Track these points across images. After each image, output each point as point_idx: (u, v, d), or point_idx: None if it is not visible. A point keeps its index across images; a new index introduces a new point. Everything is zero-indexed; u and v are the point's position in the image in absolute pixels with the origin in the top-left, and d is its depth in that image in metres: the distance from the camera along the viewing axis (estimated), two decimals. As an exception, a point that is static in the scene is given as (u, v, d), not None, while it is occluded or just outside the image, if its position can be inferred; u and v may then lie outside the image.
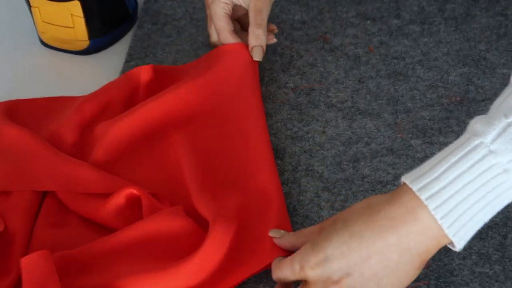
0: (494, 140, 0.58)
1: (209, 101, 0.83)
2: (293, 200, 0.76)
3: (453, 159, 0.58)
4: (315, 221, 0.74)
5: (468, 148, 0.58)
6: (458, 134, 0.79)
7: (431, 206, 0.58)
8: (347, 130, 0.82)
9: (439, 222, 0.58)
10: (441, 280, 0.68)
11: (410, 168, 0.77)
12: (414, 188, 0.59)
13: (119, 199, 0.73)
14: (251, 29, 0.84)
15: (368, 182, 0.77)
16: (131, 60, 0.92)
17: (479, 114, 0.81)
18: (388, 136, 0.80)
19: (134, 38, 0.94)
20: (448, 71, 0.86)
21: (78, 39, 0.92)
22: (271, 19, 0.88)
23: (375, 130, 0.81)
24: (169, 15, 0.97)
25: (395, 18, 0.93)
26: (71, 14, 0.89)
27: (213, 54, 0.87)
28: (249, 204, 0.73)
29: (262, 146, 0.78)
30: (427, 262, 0.69)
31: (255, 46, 0.84)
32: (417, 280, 0.68)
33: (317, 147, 0.81)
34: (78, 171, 0.76)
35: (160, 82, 0.86)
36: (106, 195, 0.74)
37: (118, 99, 0.84)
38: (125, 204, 0.73)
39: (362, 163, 0.78)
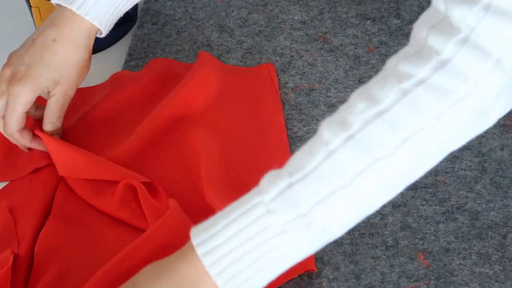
0: (273, 199, 0.56)
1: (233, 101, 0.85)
2: (293, 200, 0.76)
3: (233, 216, 0.57)
4: (315, 221, 0.74)
5: (249, 205, 0.57)
6: (458, 134, 0.80)
7: (206, 262, 0.56)
8: (347, 130, 0.82)
9: (214, 279, 0.56)
10: (441, 280, 0.68)
11: (410, 168, 0.77)
12: (194, 242, 0.57)
13: (119, 189, 0.74)
14: (44, 122, 0.79)
15: (368, 182, 0.77)
16: (131, 60, 0.92)
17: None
18: (388, 136, 0.81)
19: (134, 38, 0.94)
20: (448, 71, 0.86)
21: (78, 39, 0.92)
22: (271, 19, 0.88)
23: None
24: (169, 15, 0.97)
25: (395, 18, 0.93)
26: (71, 14, 0.89)
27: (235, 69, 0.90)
28: None
29: (280, 151, 0.79)
30: (427, 262, 0.69)
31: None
32: (417, 280, 0.68)
33: (317, 147, 0.81)
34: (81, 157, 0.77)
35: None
36: (108, 185, 0.75)
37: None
38: (125, 193, 0.74)
39: (362, 163, 0.78)
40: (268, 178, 0.58)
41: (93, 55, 0.94)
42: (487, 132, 0.79)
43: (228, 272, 0.56)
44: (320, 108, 0.84)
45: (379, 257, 0.70)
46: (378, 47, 0.90)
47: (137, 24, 0.97)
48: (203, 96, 0.85)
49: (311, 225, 0.56)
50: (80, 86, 0.79)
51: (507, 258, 0.69)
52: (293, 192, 0.56)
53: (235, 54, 0.91)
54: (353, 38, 0.92)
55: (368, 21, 0.93)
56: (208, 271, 0.56)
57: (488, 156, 0.77)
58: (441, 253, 0.70)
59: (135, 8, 0.97)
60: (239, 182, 0.76)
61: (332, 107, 0.84)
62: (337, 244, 0.72)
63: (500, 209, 0.73)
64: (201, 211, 0.71)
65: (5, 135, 0.77)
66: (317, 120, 0.83)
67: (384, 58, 0.89)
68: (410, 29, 0.92)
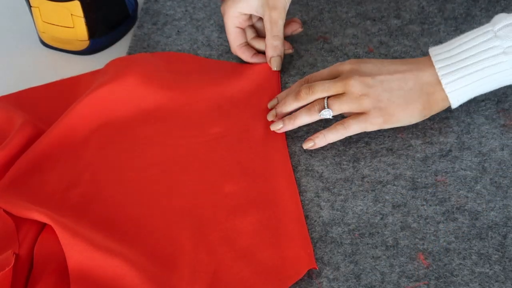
0: (501, 28, 0.73)
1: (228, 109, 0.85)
2: (293, 200, 0.76)
3: (466, 39, 0.75)
4: (315, 221, 0.74)
5: (480, 32, 0.74)
6: (458, 134, 0.79)
7: (437, 65, 0.75)
8: (347, 130, 0.82)
9: (440, 77, 0.74)
10: (441, 280, 0.68)
11: (410, 168, 0.77)
12: (432, 52, 0.76)
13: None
14: (268, 41, 0.86)
15: (368, 182, 0.77)
16: (131, 60, 0.92)
17: (479, 114, 0.81)
18: (388, 136, 0.80)
19: (134, 38, 0.94)
20: (448, 71, 0.86)
21: (78, 39, 0.92)
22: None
23: (375, 130, 0.81)
24: (169, 15, 0.97)
25: (395, 18, 0.93)
26: (71, 14, 0.89)
27: (235, 66, 0.89)
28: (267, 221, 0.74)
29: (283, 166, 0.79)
30: (427, 262, 0.69)
31: (273, 56, 0.87)
32: (417, 280, 0.68)
33: (317, 147, 0.81)
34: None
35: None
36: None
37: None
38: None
39: (362, 163, 0.78)
40: (499, 16, 0.74)
41: (92, 55, 0.94)
42: (487, 132, 0.79)
43: (455, 74, 0.74)
44: (320, 108, 0.84)
45: (379, 257, 0.70)
46: (378, 47, 0.90)
47: (137, 24, 0.97)
48: (207, 96, 0.85)
49: None
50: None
51: (507, 258, 0.69)
52: None
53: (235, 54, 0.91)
54: (353, 38, 0.92)
55: (368, 21, 0.93)
56: (437, 70, 0.75)
57: (488, 156, 0.77)
58: (441, 253, 0.70)
59: (134, 8, 0.97)
60: (251, 170, 0.78)
61: (332, 107, 0.84)
62: (337, 244, 0.72)
63: (500, 209, 0.73)
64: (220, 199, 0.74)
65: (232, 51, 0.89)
66: (318, 120, 0.83)
67: (384, 58, 0.89)
68: (410, 29, 0.92)
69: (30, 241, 0.72)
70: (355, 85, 0.76)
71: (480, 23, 0.90)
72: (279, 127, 0.80)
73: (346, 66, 0.79)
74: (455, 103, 0.76)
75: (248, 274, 0.69)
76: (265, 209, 0.74)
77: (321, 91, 0.78)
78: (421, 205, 0.74)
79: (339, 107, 0.77)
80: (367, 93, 0.76)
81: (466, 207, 0.73)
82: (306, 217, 0.74)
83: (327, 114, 0.77)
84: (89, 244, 0.69)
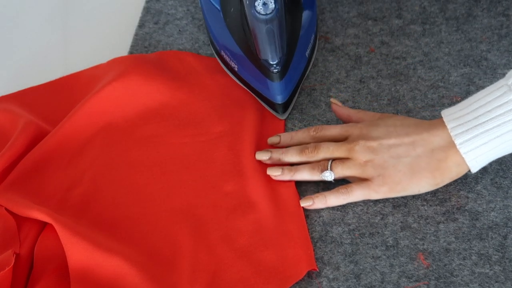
0: None
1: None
2: (293, 199, 0.76)
3: (479, 96, 0.70)
4: (315, 220, 0.74)
5: (494, 88, 0.69)
6: (459, 134, 0.79)
7: (450, 125, 0.70)
8: (347, 130, 0.82)
9: (453, 137, 0.69)
10: (441, 280, 0.68)
11: (410, 168, 0.77)
12: (443, 113, 0.72)
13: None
14: None
15: (368, 182, 0.77)
16: (133, 59, 0.92)
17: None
18: (389, 136, 0.80)
19: (136, 37, 0.94)
20: (449, 72, 0.86)
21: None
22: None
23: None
24: (171, 15, 0.97)
25: (397, 18, 0.93)
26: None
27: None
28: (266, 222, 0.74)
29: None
30: (427, 262, 0.69)
31: None
32: (417, 280, 0.68)
33: (317, 147, 0.81)
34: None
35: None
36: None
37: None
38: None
39: (363, 163, 0.78)
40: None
41: (93, 55, 0.94)
42: (488, 132, 0.79)
43: (470, 141, 0.69)
44: (321, 108, 0.84)
45: (379, 257, 0.70)
46: (379, 47, 0.90)
47: (138, 23, 0.97)
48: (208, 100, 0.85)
49: None
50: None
51: (507, 258, 0.69)
52: None
53: (236, 54, 0.91)
54: (354, 38, 0.91)
55: (370, 21, 0.93)
56: (450, 131, 0.70)
57: (488, 157, 0.77)
58: (441, 253, 0.70)
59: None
60: (252, 169, 0.77)
61: (333, 107, 0.84)
62: (337, 244, 0.72)
63: (500, 209, 0.73)
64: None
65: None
66: (318, 120, 0.83)
67: (385, 58, 0.89)
68: (411, 29, 0.92)
69: (31, 240, 0.72)
70: (359, 151, 0.73)
71: (482, 23, 0.90)
72: (276, 174, 0.76)
73: (356, 129, 0.75)
74: (474, 165, 0.70)
75: (248, 274, 0.69)
76: (266, 209, 0.74)
77: (326, 153, 0.75)
78: (421, 205, 0.74)
79: (342, 172, 0.74)
80: (371, 160, 0.72)
81: (466, 208, 0.73)
82: (306, 216, 0.74)
83: (328, 176, 0.74)
84: (90, 243, 0.69)
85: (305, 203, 0.74)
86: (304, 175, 0.75)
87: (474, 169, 0.71)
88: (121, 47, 0.94)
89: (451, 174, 0.71)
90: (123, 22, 0.97)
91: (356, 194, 0.73)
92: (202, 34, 0.94)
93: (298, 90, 0.85)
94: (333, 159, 0.75)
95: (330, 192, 0.74)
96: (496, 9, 0.92)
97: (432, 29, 0.91)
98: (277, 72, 0.79)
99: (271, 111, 0.83)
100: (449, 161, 0.70)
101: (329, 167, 0.74)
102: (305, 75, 0.85)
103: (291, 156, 0.77)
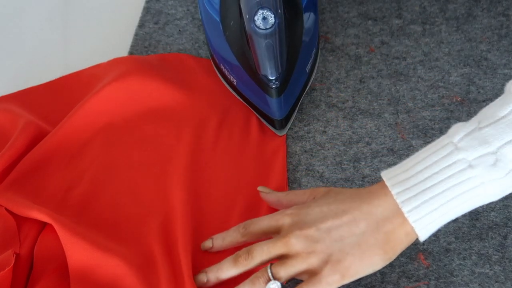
0: (461, 139, 0.62)
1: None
2: (293, 199, 0.76)
3: (423, 155, 0.63)
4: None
5: (438, 146, 0.63)
6: (459, 134, 0.79)
7: (394, 191, 0.63)
8: (347, 130, 0.82)
9: (400, 205, 0.62)
10: (441, 280, 0.68)
11: (410, 168, 0.77)
12: (385, 176, 0.64)
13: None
14: None
15: (368, 182, 0.77)
16: (133, 59, 0.92)
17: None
18: (389, 136, 0.81)
19: (136, 37, 0.94)
20: (449, 72, 0.86)
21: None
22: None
23: (376, 130, 0.81)
24: (171, 15, 0.97)
25: (397, 18, 0.93)
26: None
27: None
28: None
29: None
30: (427, 262, 0.69)
31: None
32: (417, 280, 0.68)
33: (317, 146, 0.81)
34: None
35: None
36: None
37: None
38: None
39: (363, 163, 0.78)
40: (455, 126, 0.63)
41: (93, 55, 0.94)
42: (488, 132, 0.79)
43: (416, 199, 0.61)
44: (321, 108, 0.84)
45: (379, 257, 0.70)
46: (379, 47, 0.90)
47: (138, 23, 0.97)
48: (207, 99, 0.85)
49: (498, 164, 0.60)
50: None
51: (507, 258, 0.69)
52: (482, 134, 0.61)
53: (236, 54, 0.91)
54: (354, 38, 0.92)
55: (370, 21, 0.93)
56: (395, 198, 0.62)
57: (488, 157, 0.77)
58: (441, 253, 0.70)
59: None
60: (244, 182, 0.77)
61: (333, 107, 0.84)
62: (337, 244, 0.72)
63: (500, 209, 0.73)
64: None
65: None
66: (318, 120, 0.83)
67: (385, 58, 0.89)
68: (411, 29, 0.92)
69: (31, 240, 0.72)
70: (297, 244, 0.64)
71: (482, 23, 0.90)
72: None
73: (287, 218, 0.66)
74: (423, 234, 0.63)
75: None
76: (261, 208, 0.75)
77: (261, 255, 0.66)
78: (422, 205, 0.74)
79: (286, 274, 0.64)
80: (313, 250, 0.63)
81: (466, 208, 0.73)
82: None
83: (275, 286, 0.64)
84: (90, 243, 0.69)
85: None
86: None
87: (423, 237, 0.63)
88: (121, 47, 0.94)
89: (402, 245, 0.64)
90: (123, 22, 0.97)
91: None
92: (202, 34, 0.94)
93: (298, 105, 0.83)
94: (271, 264, 0.66)
95: None
96: (496, 9, 0.92)
97: (432, 29, 0.91)
98: (276, 87, 0.78)
99: (269, 126, 0.82)
100: (397, 232, 0.63)
101: (270, 276, 0.65)
102: (306, 90, 0.84)
103: (227, 271, 0.67)
